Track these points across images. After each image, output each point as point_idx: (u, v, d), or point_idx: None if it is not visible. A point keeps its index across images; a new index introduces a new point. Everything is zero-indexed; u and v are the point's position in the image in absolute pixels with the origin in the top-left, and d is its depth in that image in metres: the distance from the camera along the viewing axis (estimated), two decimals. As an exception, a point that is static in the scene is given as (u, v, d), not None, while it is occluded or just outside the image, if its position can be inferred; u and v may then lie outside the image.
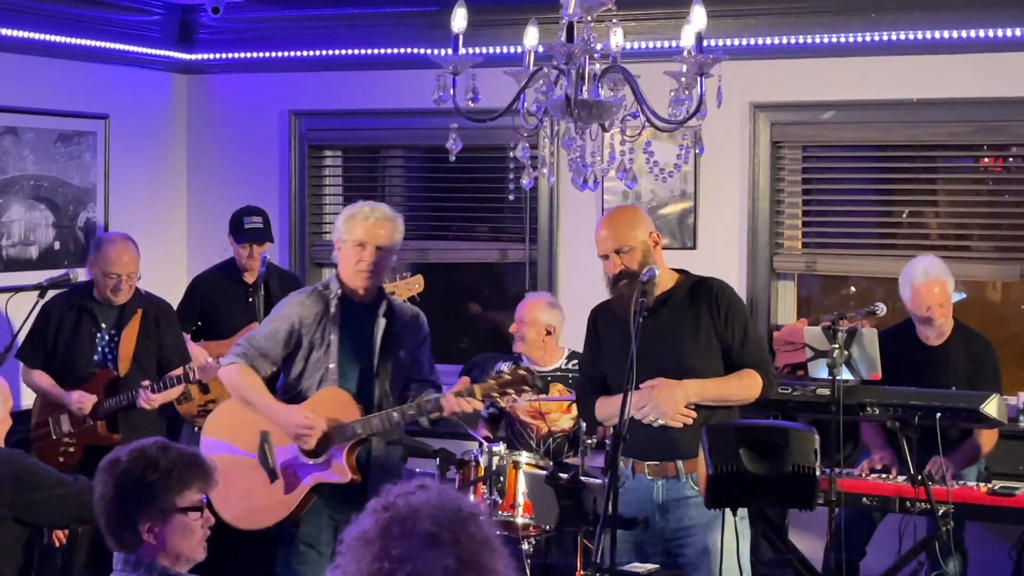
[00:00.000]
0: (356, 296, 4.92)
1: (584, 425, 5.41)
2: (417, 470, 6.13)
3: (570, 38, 3.50)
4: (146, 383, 5.80)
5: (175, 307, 6.38)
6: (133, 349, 6.00)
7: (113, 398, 5.90)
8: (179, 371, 5.95)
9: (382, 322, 4.92)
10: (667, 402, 4.53)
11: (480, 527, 2.04)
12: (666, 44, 6.44)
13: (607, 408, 4.73)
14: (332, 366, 4.88)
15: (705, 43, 3.51)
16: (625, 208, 4.94)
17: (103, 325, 6.03)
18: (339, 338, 4.89)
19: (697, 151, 3.60)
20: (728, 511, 4.30)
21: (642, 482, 4.64)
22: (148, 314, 6.08)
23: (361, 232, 4.83)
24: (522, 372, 4.71)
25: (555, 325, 6.32)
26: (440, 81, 3.59)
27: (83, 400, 5.88)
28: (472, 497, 5.28)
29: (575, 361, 6.31)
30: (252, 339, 5.01)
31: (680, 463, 4.58)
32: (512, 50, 6.77)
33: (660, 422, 4.55)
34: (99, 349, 6.03)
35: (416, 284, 6.01)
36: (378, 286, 4.96)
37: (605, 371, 4.76)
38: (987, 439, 5.68)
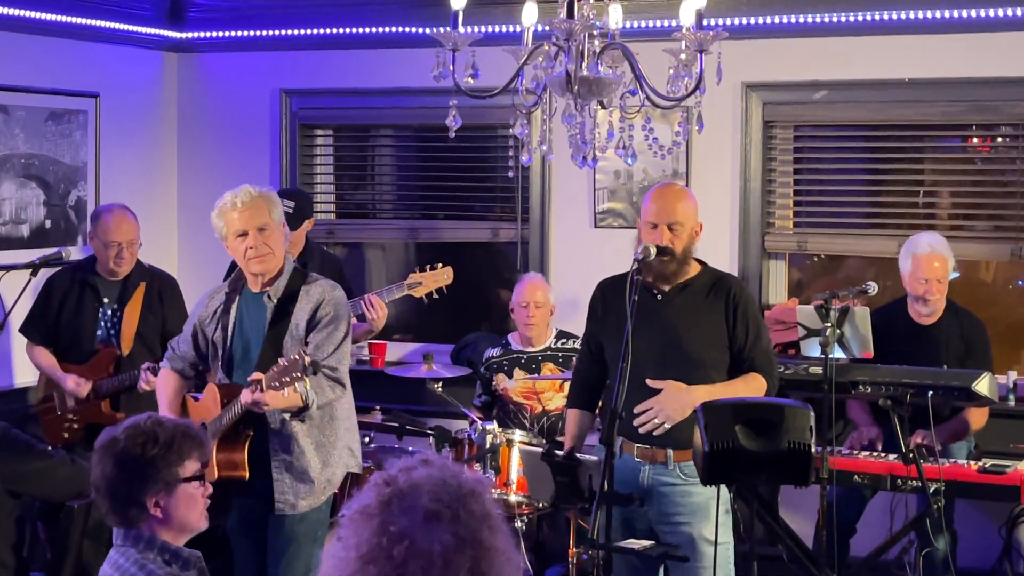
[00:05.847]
0: (257, 284, 4.72)
1: None
2: (411, 448, 6.15)
3: (570, 15, 3.50)
4: (147, 365, 5.77)
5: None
6: (136, 326, 6.00)
7: (115, 377, 5.89)
8: None
9: (269, 306, 4.70)
10: (675, 408, 4.50)
11: (481, 503, 2.02)
12: (661, 23, 6.44)
13: (572, 423, 4.80)
14: (219, 363, 4.76)
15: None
16: (684, 188, 4.89)
17: (105, 300, 6.03)
18: (231, 331, 4.73)
19: (697, 129, 3.61)
20: (715, 498, 4.31)
21: (628, 462, 4.62)
22: (151, 288, 6.09)
23: (237, 221, 4.61)
24: (295, 357, 4.32)
25: (555, 305, 6.38)
26: (440, 58, 3.59)
27: (79, 387, 5.88)
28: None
29: (564, 340, 6.34)
30: (173, 343, 4.96)
31: (671, 452, 4.57)
32: (506, 29, 6.77)
33: (667, 426, 4.53)
34: (101, 324, 6.03)
35: (444, 276, 5.86)
36: (278, 267, 4.71)
37: (604, 345, 4.75)
38: (977, 416, 5.70)
